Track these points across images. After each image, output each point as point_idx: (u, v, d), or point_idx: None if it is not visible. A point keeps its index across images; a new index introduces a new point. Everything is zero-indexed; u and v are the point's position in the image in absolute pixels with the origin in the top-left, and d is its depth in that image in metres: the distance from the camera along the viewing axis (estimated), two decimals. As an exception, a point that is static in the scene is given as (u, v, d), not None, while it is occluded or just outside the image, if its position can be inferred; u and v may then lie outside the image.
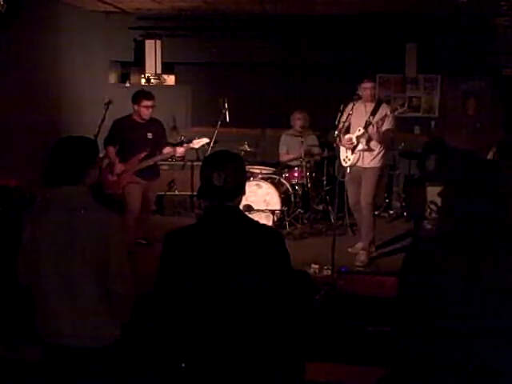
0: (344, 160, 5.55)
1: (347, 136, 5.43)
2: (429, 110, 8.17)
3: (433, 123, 8.06)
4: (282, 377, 2.35)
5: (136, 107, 5.39)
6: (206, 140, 5.81)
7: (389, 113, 5.37)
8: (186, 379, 2.27)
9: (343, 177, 5.56)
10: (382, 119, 5.30)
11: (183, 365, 2.26)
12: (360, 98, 5.35)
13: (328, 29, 7.74)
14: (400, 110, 5.52)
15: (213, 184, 2.21)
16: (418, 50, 7.53)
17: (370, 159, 5.46)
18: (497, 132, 6.69)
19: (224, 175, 2.20)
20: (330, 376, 3.51)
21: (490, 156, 6.16)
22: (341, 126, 5.26)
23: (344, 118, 5.27)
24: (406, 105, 5.46)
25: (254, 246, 2.21)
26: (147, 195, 5.62)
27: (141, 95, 5.42)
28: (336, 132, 5.33)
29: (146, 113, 5.38)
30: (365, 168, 5.48)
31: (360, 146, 5.39)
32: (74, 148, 2.47)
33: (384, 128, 5.32)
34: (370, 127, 5.26)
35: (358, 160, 5.46)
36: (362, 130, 5.35)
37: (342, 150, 5.57)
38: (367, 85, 5.39)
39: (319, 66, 8.04)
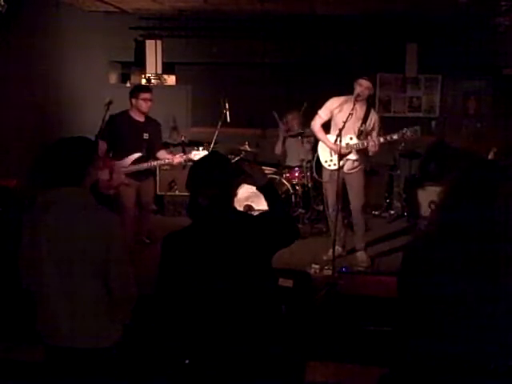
0: (326, 162, 5.49)
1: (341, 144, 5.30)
2: (429, 110, 8.18)
3: (433, 123, 8.06)
4: (281, 376, 2.35)
5: (134, 101, 5.33)
6: (204, 153, 5.76)
7: (377, 119, 5.42)
8: (190, 376, 2.28)
9: (321, 177, 5.59)
10: (373, 127, 5.39)
11: (187, 361, 2.27)
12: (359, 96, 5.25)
13: (328, 29, 7.74)
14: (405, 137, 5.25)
15: (199, 205, 2.21)
16: (419, 50, 7.54)
17: (355, 165, 5.42)
18: (497, 132, 6.68)
19: (210, 195, 2.20)
20: (330, 376, 3.52)
21: (490, 156, 6.15)
22: (340, 126, 5.10)
23: (344, 118, 5.11)
24: (408, 132, 5.26)
25: (247, 240, 2.22)
26: (143, 196, 5.55)
27: (138, 88, 5.44)
28: (336, 132, 5.27)
29: (145, 106, 5.32)
30: (349, 173, 5.43)
31: (352, 156, 5.35)
32: (72, 149, 2.45)
33: (374, 135, 5.37)
34: (371, 144, 5.21)
35: (344, 166, 5.34)
36: (356, 140, 5.31)
37: (325, 150, 5.49)
38: (362, 82, 5.30)
39: (319, 66, 8.04)
